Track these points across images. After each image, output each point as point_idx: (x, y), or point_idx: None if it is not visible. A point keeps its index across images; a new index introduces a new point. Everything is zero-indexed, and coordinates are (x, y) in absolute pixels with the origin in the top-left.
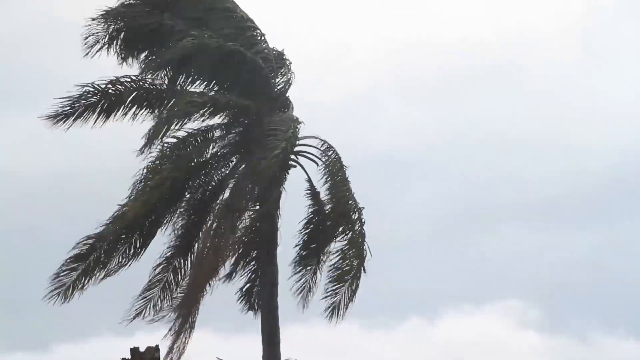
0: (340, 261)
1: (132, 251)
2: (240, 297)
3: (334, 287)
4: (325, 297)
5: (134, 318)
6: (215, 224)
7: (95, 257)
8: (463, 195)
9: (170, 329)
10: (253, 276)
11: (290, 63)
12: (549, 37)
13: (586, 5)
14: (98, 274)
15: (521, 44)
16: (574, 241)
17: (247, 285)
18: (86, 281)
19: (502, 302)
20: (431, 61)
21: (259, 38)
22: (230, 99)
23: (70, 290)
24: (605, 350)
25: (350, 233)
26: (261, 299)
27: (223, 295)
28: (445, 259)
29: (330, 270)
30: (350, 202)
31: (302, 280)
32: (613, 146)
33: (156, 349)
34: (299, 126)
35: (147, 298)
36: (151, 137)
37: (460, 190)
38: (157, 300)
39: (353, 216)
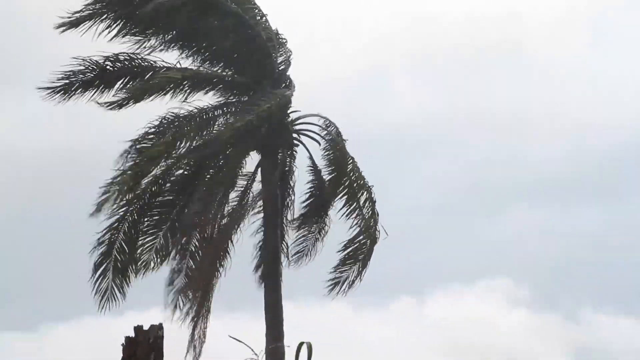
0: (352, 241)
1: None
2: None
3: (343, 267)
4: (333, 272)
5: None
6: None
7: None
8: (466, 174)
9: (187, 312)
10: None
11: (286, 41)
12: (556, 17)
13: None
14: None
15: (529, 24)
16: (573, 220)
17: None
18: None
19: (493, 280)
20: (440, 39)
21: (259, 18)
22: (216, 75)
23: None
24: (595, 327)
25: (359, 213)
26: (265, 278)
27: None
28: (442, 239)
29: (340, 251)
30: (353, 175)
31: (301, 245)
32: (616, 126)
33: (160, 327)
34: (291, 94)
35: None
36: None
37: (463, 170)
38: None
39: (361, 195)
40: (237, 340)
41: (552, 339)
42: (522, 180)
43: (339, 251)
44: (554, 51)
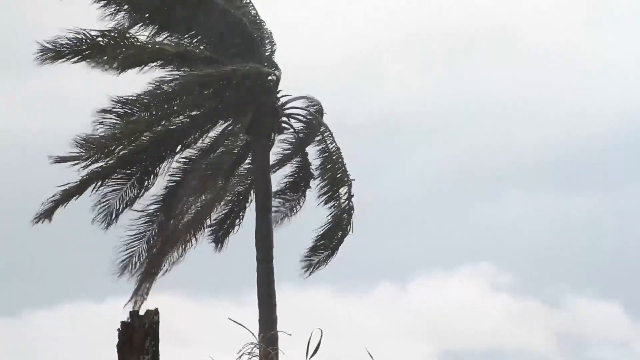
0: (325, 230)
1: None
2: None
3: (315, 252)
4: (304, 260)
5: (122, 272)
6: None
7: None
8: (456, 160)
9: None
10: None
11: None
12: (548, 1)
13: None
14: None
15: (520, 8)
16: (557, 206)
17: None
18: None
19: (475, 266)
20: (433, 24)
21: (246, 1)
22: (202, 55)
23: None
24: (577, 312)
25: (336, 204)
26: (257, 262)
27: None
28: (427, 225)
29: (315, 238)
30: (335, 166)
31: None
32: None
33: (155, 312)
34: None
35: (130, 252)
36: None
37: (453, 155)
38: (140, 255)
39: (340, 188)
40: (237, 323)
41: (534, 323)
42: (507, 167)
43: (315, 238)
44: (546, 36)
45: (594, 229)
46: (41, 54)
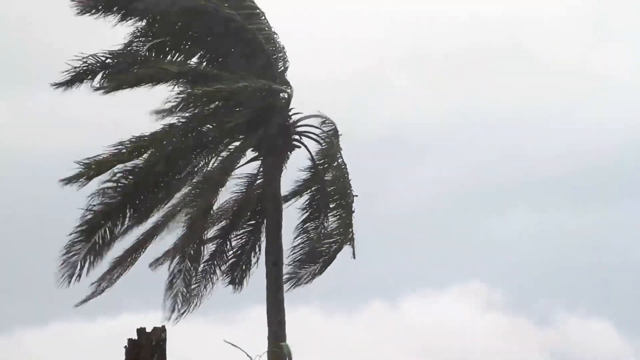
0: (320, 242)
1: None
2: (226, 272)
3: (303, 266)
4: (289, 273)
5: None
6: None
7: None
8: (461, 175)
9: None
10: (239, 252)
11: (283, 48)
12: (556, 16)
13: None
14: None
15: (528, 23)
16: (551, 223)
17: (232, 260)
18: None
19: (466, 284)
20: (439, 39)
21: (261, 18)
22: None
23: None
24: (569, 329)
25: (339, 220)
26: (267, 279)
27: None
28: (424, 241)
29: (305, 248)
30: (346, 189)
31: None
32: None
33: (163, 329)
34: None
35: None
36: None
37: (457, 171)
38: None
39: (345, 202)
40: (232, 345)
41: (526, 341)
42: (513, 182)
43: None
44: (554, 52)
45: (589, 246)
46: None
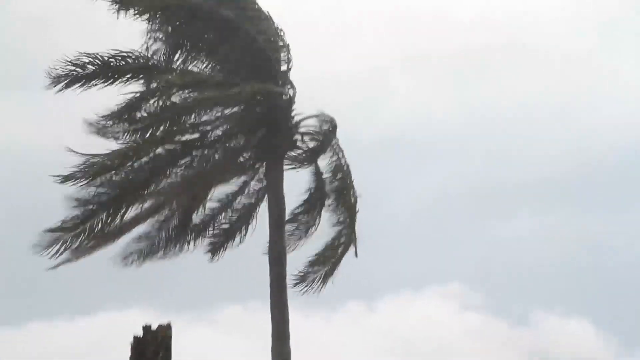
0: (326, 247)
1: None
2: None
3: (313, 267)
4: (296, 276)
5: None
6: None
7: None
8: (464, 176)
9: None
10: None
11: (288, 46)
12: (558, 17)
13: None
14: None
15: (532, 23)
16: (529, 225)
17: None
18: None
19: (444, 286)
20: (442, 39)
21: (263, 19)
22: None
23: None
24: (547, 329)
25: (342, 224)
26: (271, 280)
27: None
28: (403, 244)
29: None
30: (344, 185)
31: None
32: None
33: (168, 326)
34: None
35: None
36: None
37: (453, 172)
38: None
39: (345, 206)
40: None
41: (504, 342)
42: (515, 184)
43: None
44: (558, 52)
45: (567, 247)
46: (53, 80)
